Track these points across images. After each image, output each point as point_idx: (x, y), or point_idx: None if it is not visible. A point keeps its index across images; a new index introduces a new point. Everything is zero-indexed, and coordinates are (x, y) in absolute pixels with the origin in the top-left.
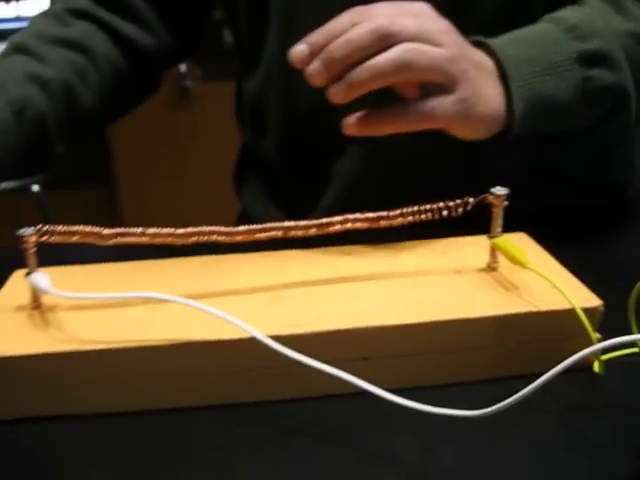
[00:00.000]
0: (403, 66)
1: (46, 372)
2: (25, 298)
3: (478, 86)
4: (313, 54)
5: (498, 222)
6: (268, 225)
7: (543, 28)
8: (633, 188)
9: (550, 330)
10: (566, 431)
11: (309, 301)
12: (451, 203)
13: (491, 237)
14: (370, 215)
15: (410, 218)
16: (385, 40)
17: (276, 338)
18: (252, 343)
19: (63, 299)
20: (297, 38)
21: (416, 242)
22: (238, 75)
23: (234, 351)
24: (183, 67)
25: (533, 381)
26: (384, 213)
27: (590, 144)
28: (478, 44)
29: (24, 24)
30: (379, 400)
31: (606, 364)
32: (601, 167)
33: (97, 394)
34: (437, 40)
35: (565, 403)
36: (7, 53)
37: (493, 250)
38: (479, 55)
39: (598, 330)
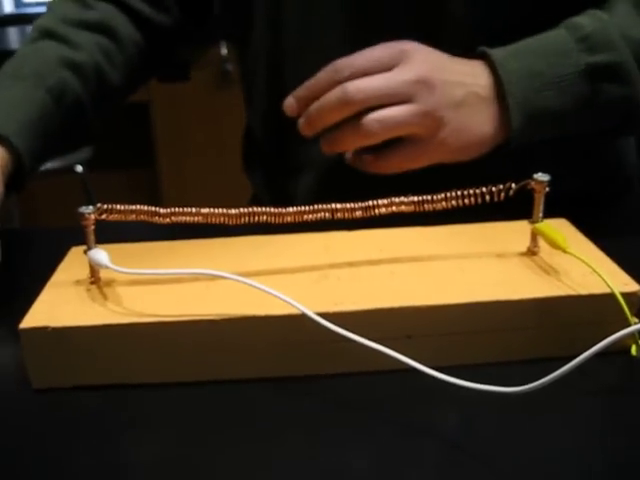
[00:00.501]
0: (370, 134)
1: (103, 343)
2: (83, 273)
3: (459, 122)
4: (300, 107)
5: (539, 208)
6: (316, 207)
7: (556, 37)
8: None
9: (589, 314)
10: (602, 412)
11: (354, 280)
12: (494, 188)
13: (532, 222)
14: (415, 199)
15: (454, 202)
16: (351, 108)
17: (323, 315)
18: (300, 319)
19: (119, 275)
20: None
21: (458, 226)
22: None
23: (282, 326)
24: (224, 50)
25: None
26: (428, 197)
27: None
28: (481, 55)
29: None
30: (421, 376)
31: None
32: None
33: (150, 365)
34: (407, 95)
35: (602, 385)
36: (36, 38)
37: (534, 235)
38: (470, 78)
39: (636, 315)
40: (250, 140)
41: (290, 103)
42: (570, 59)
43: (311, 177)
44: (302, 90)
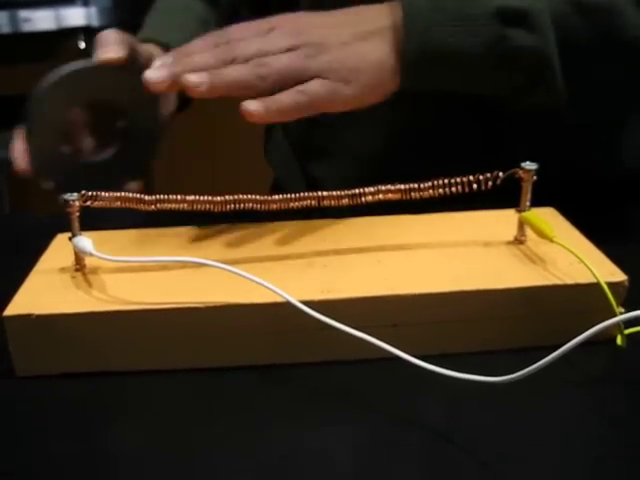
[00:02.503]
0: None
1: (87, 330)
2: (68, 261)
3: (346, 50)
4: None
5: (527, 196)
6: (302, 195)
7: None
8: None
9: (575, 303)
10: (585, 400)
11: (341, 268)
12: (481, 177)
13: (519, 211)
14: (402, 187)
15: (441, 190)
16: (254, 89)
17: (309, 303)
18: (285, 307)
19: (104, 262)
20: None
21: (445, 215)
22: None
23: (268, 314)
24: None
25: None
26: (415, 185)
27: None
28: None
29: None
30: (406, 365)
31: (629, 339)
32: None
33: (134, 353)
34: (285, 47)
35: (587, 374)
36: None
37: (521, 224)
38: (358, 22)
39: (622, 305)
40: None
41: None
42: (481, 0)
43: (348, 165)
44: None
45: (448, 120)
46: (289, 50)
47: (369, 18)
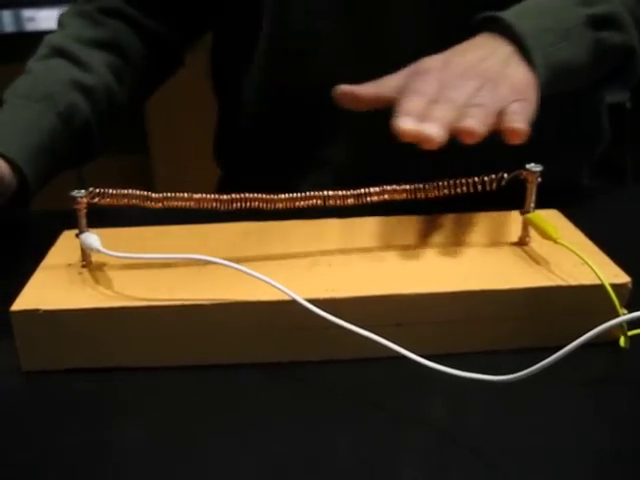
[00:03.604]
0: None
1: (93, 326)
2: (74, 257)
3: (519, 85)
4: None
5: (531, 198)
6: (308, 194)
7: None
8: (601, 144)
9: (578, 304)
10: (587, 401)
11: (345, 267)
12: (486, 178)
13: (524, 212)
14: (407, 187)
15: (446, 191)
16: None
17: (313, 301)
18: (290, 305)
19: (110, 259)
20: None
21: (450, 215)
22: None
23: (272, 312)
24: None
25: None
26: (420, 185)
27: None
28: (490, 20)
29: None
30: (409, 364)
31: (632, 340)
32: (572, 123)
33: (140, 349)
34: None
35: (589, 375)
36: (47, 55)
37: (525, 225)
38: (492, 49)
39: (626, 307)
40: (230, 131)
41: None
42: (571, 13)
43: (328, 176)
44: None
45: None
46: (479, 90)
47: (491, 47)
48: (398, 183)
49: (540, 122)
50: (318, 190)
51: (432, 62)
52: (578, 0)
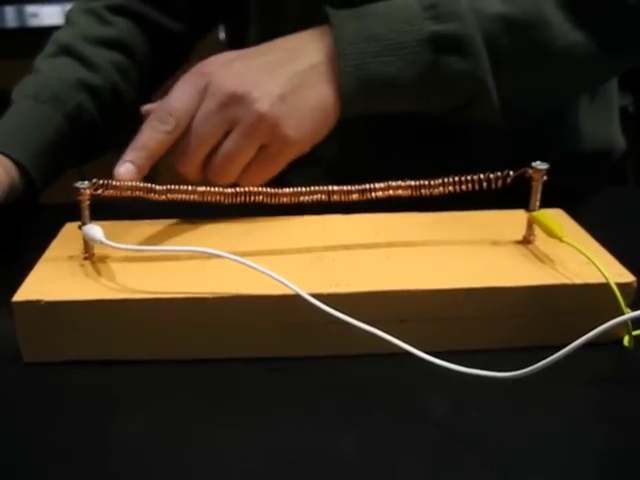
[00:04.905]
0: (228, 175)
1: (95, 318)
2: (76, 249)
3: (294, 111)
4: (142, 170)
5: (537, 196)
6: (312, 188)
7: (405, 3)
8: (615, 154)
9: (583, 303)
10: (591, 401)
11: (349, 263)
12: (492, 175)
13: (529, 211)
14: (412, 183)
15: (451, 188)
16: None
17: (317, 296)
18: (294, 300)
19: (113, 251)
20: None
21: (455, 213)
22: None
23: (276, 307)
24: (222, 35)
25: None
26: (425, 182)
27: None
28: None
29: None
30: (413, 360)
31: (637, 340)
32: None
33: (142, 342)
34: (225, 124)
35: (592, 374)
36: (54, 53)
37: (530, 223)
38: (289, 58)
39: (630, 306)
40: None
41: (128, 170)
42: (414, 26)
43: (321, 171)
44: (137, 152)
45: (406, 121)
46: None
47: (300, 53)
48: (402, 179)
49: (552, 136)
50: (311, 185)
51: (211, 67)
52: (430, 14)
